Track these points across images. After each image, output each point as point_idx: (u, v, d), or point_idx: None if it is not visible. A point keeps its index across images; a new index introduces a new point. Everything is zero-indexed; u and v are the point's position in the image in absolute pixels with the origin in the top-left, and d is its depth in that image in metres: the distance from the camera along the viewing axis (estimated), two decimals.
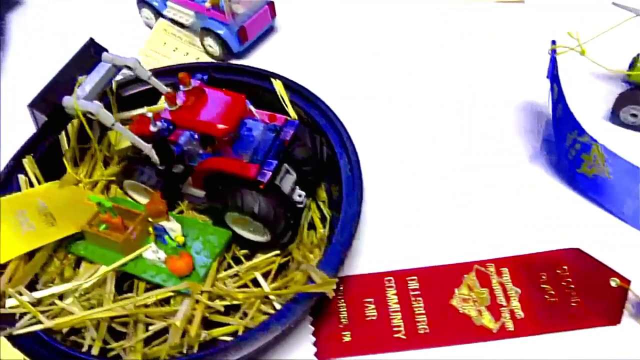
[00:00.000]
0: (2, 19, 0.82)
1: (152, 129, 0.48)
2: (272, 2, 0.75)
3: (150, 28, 0.80)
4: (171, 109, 0.48)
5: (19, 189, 0.56)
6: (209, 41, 0.73)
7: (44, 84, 0.52)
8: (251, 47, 0.76)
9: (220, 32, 0.71)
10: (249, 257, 0.54)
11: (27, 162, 0.57)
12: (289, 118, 0.52)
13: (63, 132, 0.58)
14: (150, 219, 0.51)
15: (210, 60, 0.74)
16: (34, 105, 0.50)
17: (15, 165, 0.57)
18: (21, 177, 0.56)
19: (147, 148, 0.51)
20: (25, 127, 0.60)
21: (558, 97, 0.56)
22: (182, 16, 0.75)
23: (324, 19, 0.81)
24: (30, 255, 0.51)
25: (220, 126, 0.47)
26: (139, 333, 0.48)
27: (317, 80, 0.63)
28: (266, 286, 0.50)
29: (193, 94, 0.49)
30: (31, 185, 0.57)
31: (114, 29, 0.80)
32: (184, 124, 0.48)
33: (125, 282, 0.52)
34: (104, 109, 0.50)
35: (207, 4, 0.71)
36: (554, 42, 0.56)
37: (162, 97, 0.59)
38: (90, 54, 0.54)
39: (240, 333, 0.47)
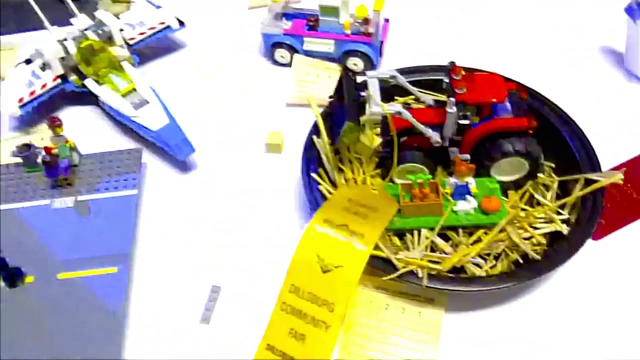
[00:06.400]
0: None
1: (450, 110, 0.65)
2: (388, 19, 0.93)
3: (282, 65, 0.93)
4: (461, 92, 0.65)
5: (324, 197, 0.68)
6: (354, 60, 0.89)
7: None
8: None
9: (365, 50, 0.88)
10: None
11: (319, 175, 0.70)
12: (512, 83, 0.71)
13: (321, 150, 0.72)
14: (456, 179, 0.67)
15: None
16: (352, 119, 0.64)
17: (309, 179, 0.69)
18: (322, 187, 0.69)
19: (429, 131, 0.68)
20: None
21: None
22: (322, 47, 0.90)
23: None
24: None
25: (500, 97, 0.65)
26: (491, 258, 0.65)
27: None
28: (548, 202, 0.69)
29: (468, 78, 0.66)
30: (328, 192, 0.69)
31: (249, 70, 0.93)
32: (475, 100, 0.65)
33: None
34: (404, 109, 0.65)
35: (347, 31, 0.87)
36: None
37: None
38: (350, 78, 0.69)
39: (565, 232, 0.65)
